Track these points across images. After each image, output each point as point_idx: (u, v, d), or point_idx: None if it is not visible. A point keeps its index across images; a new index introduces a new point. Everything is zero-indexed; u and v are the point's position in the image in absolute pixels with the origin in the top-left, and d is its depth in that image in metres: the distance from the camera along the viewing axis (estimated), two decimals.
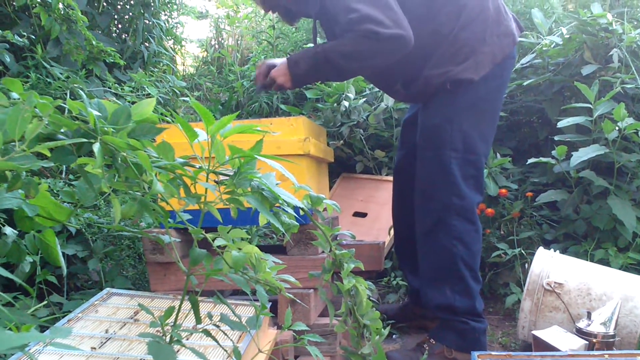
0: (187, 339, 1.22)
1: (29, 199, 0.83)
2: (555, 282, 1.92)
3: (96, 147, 0.68)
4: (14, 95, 0.71)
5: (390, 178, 2.39)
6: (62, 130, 0.71)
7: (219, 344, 0.93)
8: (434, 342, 1.86)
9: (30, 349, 1.13)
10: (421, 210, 1.89)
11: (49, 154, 0.70)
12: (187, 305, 0.88)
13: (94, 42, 2.54)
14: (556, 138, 2.46)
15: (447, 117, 1.82)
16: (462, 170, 1.82)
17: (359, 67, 1.79)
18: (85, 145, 0.71)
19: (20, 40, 2.32)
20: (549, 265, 1.97)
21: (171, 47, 3.75)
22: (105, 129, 0.71)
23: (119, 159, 0.72)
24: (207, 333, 0.89)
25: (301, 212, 0.96)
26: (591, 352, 1.57)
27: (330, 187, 2.87)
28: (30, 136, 0.66)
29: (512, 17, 1.93)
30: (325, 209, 1.02)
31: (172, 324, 0.84)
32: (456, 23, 1.80)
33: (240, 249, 0.85)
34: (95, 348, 1.19)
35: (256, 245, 0.88)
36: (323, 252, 1.56)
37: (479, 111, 1.85)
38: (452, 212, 1.81)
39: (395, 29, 1.67)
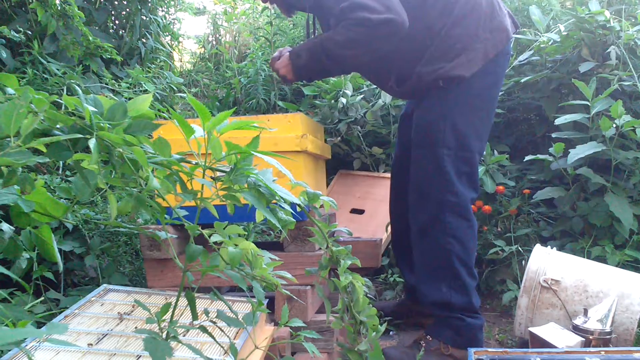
0: (184, 336, 1.22)
1: (25, 194, 0.83)
2: (552, 279, 1.92)
3: (92, 142, 0.68)
4: (10, 90, 0.71)
5: (388, 175, 2.38)
6: (58, 126, 0.71)
7: (215, 340, 0.93)
8: (430, 339, 1.87)
9: (26, 345, 1.13)
10: (416, 207, 1.89)
11: (44, 150, 0.70)
12: (183, 301, 0.88)
13: (90, 38, 2.54)
14: (553, 135, 2.46)
15: (440, 115, 1.82)
16: (456, 168, 1.81)
17: (355, 55, 1.78)
18: (81, 141, 0.71)
19: (17, 36, 2.32)
20: (545, 262, 1.98)
21: (168, 44, 3.75)
22: (102, 124, 0.71)
23: (115, 154, 0.72)
24: (203, 329, 0.89)
25: (298, 209, 0.96)
26: (588, 349, 1.57)
27: (328, 184, 2.87)
28: (25, 132, 0.66)
29: (507, 12, 1.92)
30: (322, 206, 1.02)
31: (169, 320, 0.84)
32: (448, 20, 1.80)
33: (236, 245, 0.85)
34: (92, 344, 1.19)
35: (253, 242, 0.88)
36: (320, 248, 1.56)
37: (472, 108, 1.85)
38: (446, 209, 1.81)
39: (387, 14, 1.67)
